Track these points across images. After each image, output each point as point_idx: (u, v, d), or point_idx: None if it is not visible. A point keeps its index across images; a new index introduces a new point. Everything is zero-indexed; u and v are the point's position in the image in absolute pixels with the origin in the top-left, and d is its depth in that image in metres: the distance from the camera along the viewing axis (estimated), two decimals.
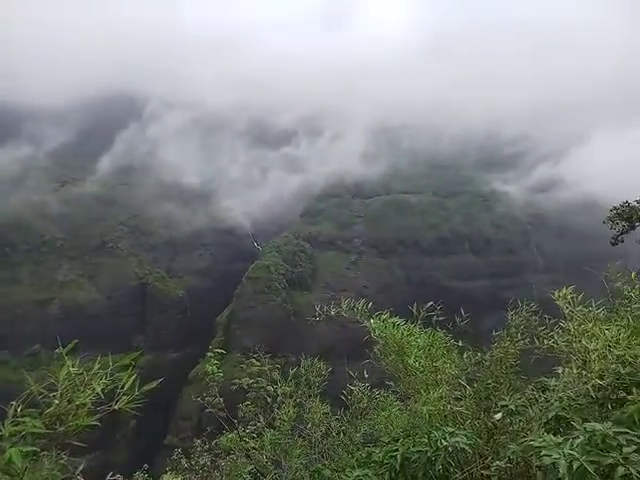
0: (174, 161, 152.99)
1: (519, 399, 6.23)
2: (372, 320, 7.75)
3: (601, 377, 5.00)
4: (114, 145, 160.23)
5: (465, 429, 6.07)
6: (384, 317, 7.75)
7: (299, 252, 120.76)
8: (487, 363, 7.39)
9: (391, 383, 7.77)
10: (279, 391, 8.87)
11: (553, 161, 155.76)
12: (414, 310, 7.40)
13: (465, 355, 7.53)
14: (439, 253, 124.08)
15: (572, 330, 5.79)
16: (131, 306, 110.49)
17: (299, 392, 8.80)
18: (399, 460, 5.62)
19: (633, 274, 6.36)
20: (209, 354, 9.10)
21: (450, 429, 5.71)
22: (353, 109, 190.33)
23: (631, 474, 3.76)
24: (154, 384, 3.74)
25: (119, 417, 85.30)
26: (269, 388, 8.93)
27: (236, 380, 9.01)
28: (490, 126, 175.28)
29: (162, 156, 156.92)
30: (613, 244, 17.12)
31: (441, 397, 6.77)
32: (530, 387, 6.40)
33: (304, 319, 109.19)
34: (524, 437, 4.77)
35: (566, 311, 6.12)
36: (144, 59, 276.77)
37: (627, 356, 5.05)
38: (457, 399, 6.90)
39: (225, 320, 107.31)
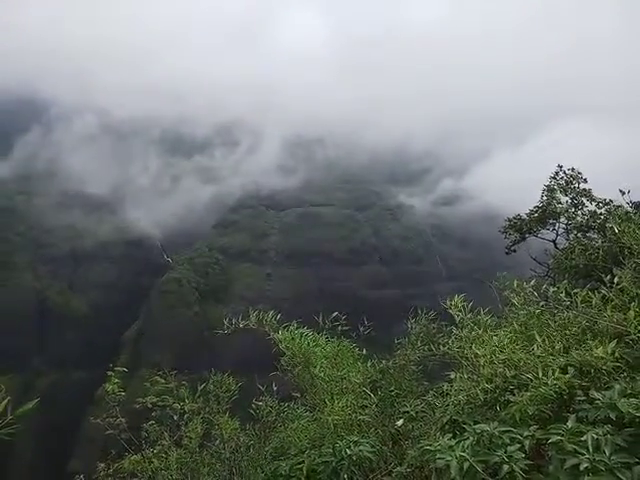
0: (79, 169, 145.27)
1: (420, 405, 6.49)
2: (280, 332, 7.77)
3: (489, 381, 5.31)
4: (13, 151, 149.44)
5: (370, 437, 6.21)
6: (292, 328, 7.79)
7: (212, 264, 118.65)
8: (391, 370, 7.64)
9: (298, 395, 7.81)
10: (186, 408, 8.61)
11: (456, 176, 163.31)
12: (319, 320, 7.51)
13: (370, 363, 7.74)
14: (351, 264, 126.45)
15: (463, 337, 6.12)
16: (29, 323, 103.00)
17: (207, 408, 8.60)
18: (305, 472, 5.64)
19: (515, 282, 6.82)
20: (110, 373, 8.67)
21: (355, 438, 5.82)
22: (269, 122, 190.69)
23: (514, 471, 4.03)
24: (30, 405, 3.47)
25: (11, 447, 78.91)
26: (175, 406, 8.64)
27: (139, 399, 8.63)
28: (399, 142, 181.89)
29: (66, 163, 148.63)
30: (507, 253, 18.16)
31: (346, 406, 6.88)
32: (431, 392, 6.67)
33: (216, 332, 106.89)
34: (423, 442, 4.96)
35: (458, 319, 6.45)
36: (49, 63, 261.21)
37: (512, 360, 5.42)
38: (362, 407, 7.06)
39: (134, 336, 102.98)
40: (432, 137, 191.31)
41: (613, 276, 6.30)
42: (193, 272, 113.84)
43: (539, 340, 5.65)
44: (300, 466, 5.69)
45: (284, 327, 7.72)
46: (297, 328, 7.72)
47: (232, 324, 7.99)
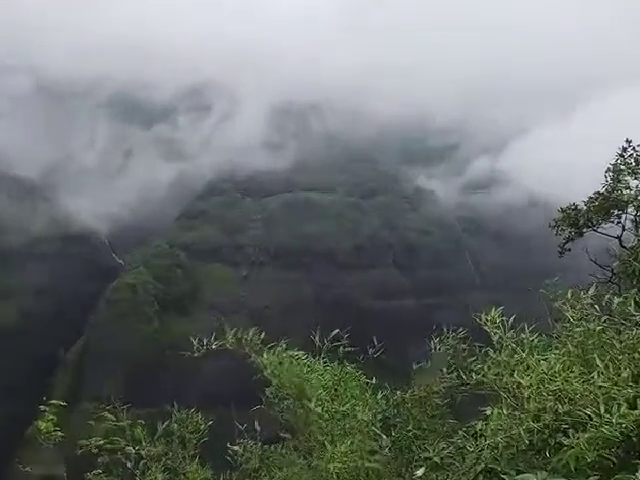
0: (3, 143, 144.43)
1: (446, 449, 6.48)
2: (264, 354, 7.75)
3: (536, 418, 5.30)
4: None
5: None
6: (280, 349, 7.78)
7: (175, 266, 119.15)
8: (408, 404, 7.65)
9: (288, 435, 7.80)
10: (143, 453, 8.60)
11: (491, 155, 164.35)
12: (315, 339, 7.48)
13: (381, 395, 7.73)
14: (356, 266, 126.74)
15: (502, 361, 6.11)
16: None
17: (170, 453, 8.60)
18: None
19: (569, 291, 6.80)
20: (43, 407, 8.63)
21: None
22: (251, 85, 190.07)
23: None
24: None
25: None
26: (129, 450, 8.62)
27: (82, 441, 8.60)
28: (416, 112, 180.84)
29: None
30: (560, 254, 17.96)
31: (351, 450, 6.87)
32: (460, 433, 6.66)
33: (182, 354, 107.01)
34: None
35: (495, 338, 6.44)
36: None
37: (566, 391, 5.40)
38: (371, 452, 7.05)
39: (75, 357, 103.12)
40: (458, 107, 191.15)
41: None
42: (151, 276, 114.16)
43: (600, 366, 5.63)
44: None
45: (270, 348, 7.70)
46: (287, 349, 7.71)
47: (202, 344, 7.96)
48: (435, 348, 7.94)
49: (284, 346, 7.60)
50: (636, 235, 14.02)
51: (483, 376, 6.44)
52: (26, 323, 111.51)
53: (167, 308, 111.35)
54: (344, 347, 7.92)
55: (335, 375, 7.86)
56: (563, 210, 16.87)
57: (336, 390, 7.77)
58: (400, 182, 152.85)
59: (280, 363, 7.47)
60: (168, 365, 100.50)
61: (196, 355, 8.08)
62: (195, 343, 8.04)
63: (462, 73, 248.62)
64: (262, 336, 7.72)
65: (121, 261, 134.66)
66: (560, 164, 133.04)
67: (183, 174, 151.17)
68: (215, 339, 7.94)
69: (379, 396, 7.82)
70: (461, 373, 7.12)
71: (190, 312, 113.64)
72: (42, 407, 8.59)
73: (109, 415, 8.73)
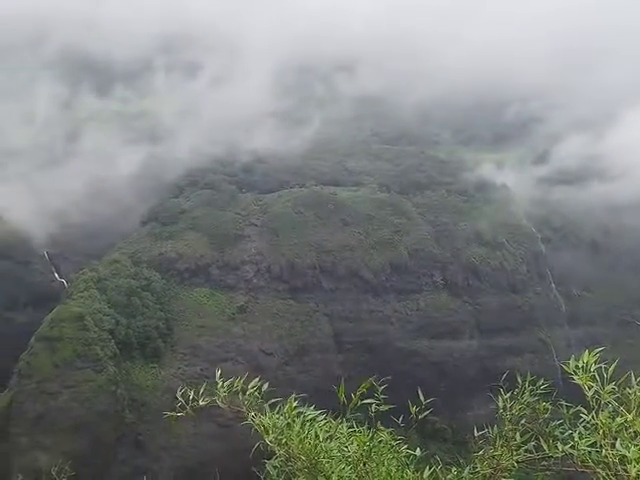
0: None
1: None
2: (267, 414, 7.79)
3: None
4: None
5: None
6: (288, 408, 7.81)
7: (140, 289, 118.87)
8: None
9: None
10: None
11: (589, 133, 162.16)
12: (340, 393, 7.47)
13: (427, 472, 7.71)
14: (393, 291, 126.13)
15: (600, 426, 6.10)
16: None
17: None
18: None
19: None
20: None
21: None
22: (252, 34, 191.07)
23: None
24: None
25: None
26: None
27: None
28: (481, 74, 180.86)
29: None
30: None
31: None
32: None
33: (152, 416, 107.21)
34: None
35: (590, 393, 6.43)
36: None
37: None
38: None
39: None
40: (539, 70, 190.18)
41: None
42: (106, 304, 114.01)
43: None
44: None
45: (272, 406, 7.74)
46: (296, 407, 7.74)
47: (186, 400, 8.03)
48: (504, 407, 7.93)
49: (294, 403, 7.62)
50: None
51: (573, 447, 6.44)
52: None
53: (128, 349, 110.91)
54: (377, 405, 7.91)
55: (364, 444, 7.86)
56: None
57: (365, 465, 7.77)
58: (456, 172, 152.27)
59: (288, 425, 7.48)
60: (129, 432, 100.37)
61: (177, 417, 8.10)
62: (179, 397, 8.07)
63: (549, 26, 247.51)
64: (265, 388, 7.76)
65: (64, 281, 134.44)
66: None
67: (153, 159, 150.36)
68: (202, 395, 7.98)
69: (426, 474, 7.82)
70: (542, 442, 7.11)
71: (161, 356, 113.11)
72: None
73: None
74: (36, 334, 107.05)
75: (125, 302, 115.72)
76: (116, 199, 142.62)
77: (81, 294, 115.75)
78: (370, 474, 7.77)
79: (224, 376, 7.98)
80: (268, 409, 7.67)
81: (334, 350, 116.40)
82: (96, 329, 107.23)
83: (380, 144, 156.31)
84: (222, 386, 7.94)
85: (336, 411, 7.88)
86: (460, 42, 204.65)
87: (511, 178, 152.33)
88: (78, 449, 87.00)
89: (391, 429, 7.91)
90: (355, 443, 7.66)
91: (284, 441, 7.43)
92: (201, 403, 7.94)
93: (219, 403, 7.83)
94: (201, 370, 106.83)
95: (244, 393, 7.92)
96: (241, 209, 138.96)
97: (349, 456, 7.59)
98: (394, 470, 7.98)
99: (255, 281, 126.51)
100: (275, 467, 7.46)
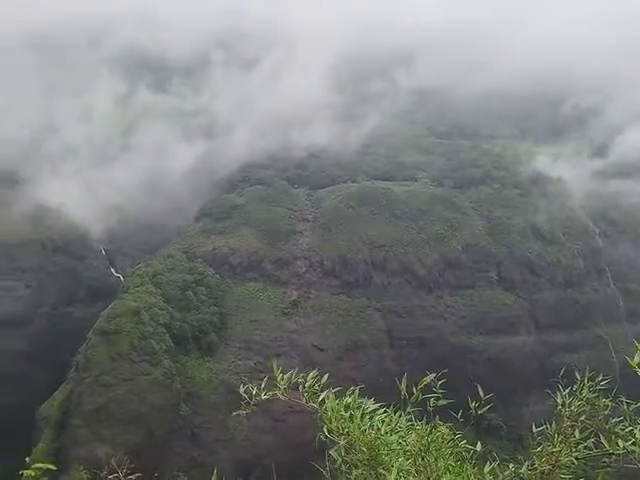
0: None
1: None
2: (327, 402, 7.82)
3: None
4: None
5: None
6: (349, 398, 7.85)
7: (194, 284, 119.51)
8: None
9: None
10: None
11: None
12: (402, 387, 7.50)
13: (488, 468, 7.70)
14: (445, 286, 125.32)
15: None
16: None
17: None
18: None
19: None
20: (25, 473, 8.97)
21: None
22: (309, 28, 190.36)
23: None
24: None
25: None
26: None
27: None
28: (542, 69, 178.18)
29: None
30: None
31: None
32: None
33: (207, 409, 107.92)
34: None
35: None
36: None
37: None
38: None
39: (56, 412, 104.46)
40: (599, 62, 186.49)
41: None
42: (161, 298, 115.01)
43: None
44: None
45: (333, 394, 7.76)
46: (355, 398, 7.77)
47: (249, 395, 8.12)
48: (563, 404, 7.92)
49: (355, 393, 7.64)
50: None
51: (634, 444, 6.43)
52: None
53: (183, 344, 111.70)
54: (436, 400, 7.91)
55: (422, 437, 7.85)
56: None
57: (423, 459, 7.76)
58: (511, 165, 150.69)
59: (351, 417, 7.51)
60: (184, 425, 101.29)
61: (245, 411, 8.15)
62: (243, 392, 8.16)
63: (610, 16, 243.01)
64: (324, 380, 7.80)
65: (120, 276, 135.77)
66: None
67: (208, 154, 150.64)
68: (263, 388, 8.07)
69: (486, 469, 7.81)
70: (602, 439, 7.10)
71: (215, 350, 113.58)
72: (26, 472, 8.87)
73: None
74: (94, 328, 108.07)
75: (180, 296, 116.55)
76: (171, 194, 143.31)
77: (137, 289, 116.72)
78: (428, 468, 7.78)
79: (289, 371, 8.05)
80: (333, 396, 7.73)
81: (387, 346, 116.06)
82: (152, 323, 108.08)
83: (434, 138, 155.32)
84: (282, 378, 8.02)
85: (390, 406, 7.89)
86: (521, 33, 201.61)
87: (567, 171, 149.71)
88: (134, 441, 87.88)
89: (451, 423, 7.93)
90: (414, 436, 7.67)
91: (346, 431, 7.48)
92: (263, 397, 8.02)
93: (279, 396, 7.89)
94: (255, 364, 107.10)
95: (303, 386, 7.97)
96: (293, 204, 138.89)
97: (408, 449, 7.61)
98: (453, 464, 7.98)
99: (307, 276, 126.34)
100: (339, 454, 7.48)
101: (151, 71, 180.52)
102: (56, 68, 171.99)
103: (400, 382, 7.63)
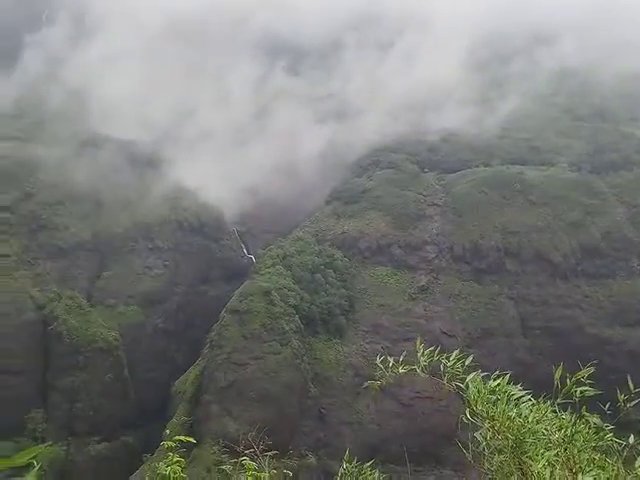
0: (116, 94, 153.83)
1: None
2: (471, 385, 7.67)
3: None
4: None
5: None
6: (495, 382, 7.66)
7: (323, 267, 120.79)
8: None
9: None
10: None
11: None
12: (556, 375, 7.22)
13: (639, 462, 7.34)
14: (583, 275, 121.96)
15: None
16: (24, 358, 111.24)
17: None
18: None
19: None
20: (165, 444, 9.10)
21: None
22: (445, 9, 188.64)
23: None
24: None
25: None
26: None
27: None
28: None
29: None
30: None
31: None
32: None
33: (335, 390, 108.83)
34: None
35: None
36: None
37: None
38: None
39: (191, 388, 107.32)
40: None
41: None
42: (291, 279, 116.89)
43: None
44: None
45: (475, 377, 7.61)
46: (504, 382, 7.58)
47: (385, 366, 8.04)
48: None
49: (500, 378, 7.45)
50: None
51: None
52: (131, 339, 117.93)
53: (312, 325, 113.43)
54: (582, 391, 7.61)
55: (567, 429, 7.58)
56: None
57: (566, 450, 7.49)
58: None
59: (497, 400, 7.33)
60: (312, 405, 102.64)
61: (381, 383, 8.11)
62: (379, 363, 8.09)
63: None
64: (468, 362, 7.64)
65: (252, 257, 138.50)
66: None
67: (339, 138, 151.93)
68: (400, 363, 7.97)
69: (637, 464, 7.42)
70: None
71: (343, 332, 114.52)
72: (165, 444, 9.02)
73: (250, 462, 9.07)
74: (227, 307, 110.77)
75: (309, 279, 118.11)
76: (302, 177, 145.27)
77: (268, 270, 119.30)
78: (572, 461, 7.50)
79: (428, 349, 7.93)
80: (480, 378, 7.56)
81: (520, 334, 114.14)
82: (282, 304, 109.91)
83: (574, 121, 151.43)
84: (423, 354, 7.89)
85: (539, 392, 7.68)
86: None
87: None
88: (264, 418, 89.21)
89: (598, 415, 7.63)
90: (559, 427, 7.43)
91: (491, 415, 7.32)
92: (401, 370, 7.92)
93: (419, 372, 7.79)
94: (382, 348, 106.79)
95: (445, 365, 7.85)
96: (423, 189, 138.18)
97: (554, 440, 7.36)
98: (597, 457, 7.69)
99: (437, 262, 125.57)
100: (484, 437, 7.34)
101: (286, 54, 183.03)
102: (197, 54, 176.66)
103: (555, 370, 7.35)
